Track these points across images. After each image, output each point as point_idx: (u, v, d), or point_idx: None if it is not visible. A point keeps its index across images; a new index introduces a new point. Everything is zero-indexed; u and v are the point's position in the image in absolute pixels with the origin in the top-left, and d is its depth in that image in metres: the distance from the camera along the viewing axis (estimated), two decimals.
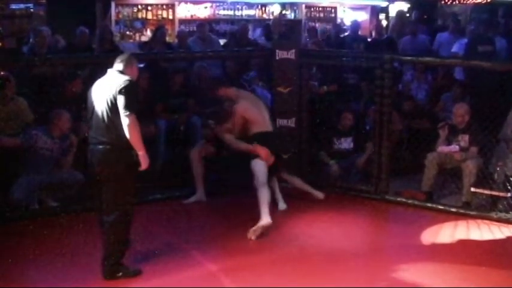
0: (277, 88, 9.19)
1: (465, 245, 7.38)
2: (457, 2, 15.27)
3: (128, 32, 14.00)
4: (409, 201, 8.59)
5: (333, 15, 16.07)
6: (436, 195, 8.75)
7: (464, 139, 8.65)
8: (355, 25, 13.11)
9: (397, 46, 12.02)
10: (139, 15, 14.11)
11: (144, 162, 6.10)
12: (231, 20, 14.83)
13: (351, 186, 9.05)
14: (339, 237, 7.51)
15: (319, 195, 8.65)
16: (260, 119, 7.86)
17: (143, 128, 6.22)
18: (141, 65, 9.68)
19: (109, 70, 6.29)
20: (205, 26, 12.32)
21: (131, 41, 13.68)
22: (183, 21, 14.23)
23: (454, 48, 11.34)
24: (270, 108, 9.27)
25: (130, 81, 6.11)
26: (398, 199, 8.67)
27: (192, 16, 14.47)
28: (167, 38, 12.69)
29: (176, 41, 12.11)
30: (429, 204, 8.50)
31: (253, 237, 7.24)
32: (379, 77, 8.62)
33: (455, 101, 9.62)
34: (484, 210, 8.24)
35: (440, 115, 9.90)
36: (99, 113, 6.09)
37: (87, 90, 6.35)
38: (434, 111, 10.27)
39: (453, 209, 8.30)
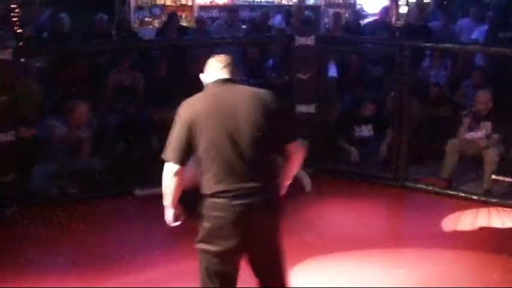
0: (297, 74, 9.13)
1: (486, 233, 7.33)
2: None
3: (146, 19, 13.98)
4: (429, 188, 8.52)
5: (352, 1, 15.96)
6: (455, 182, 8.68)
7: (486, 126, 8.57)
8: (384, 11, 12.81)
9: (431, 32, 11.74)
10: (158, 1, 14.07)
11: None
12: (250, 7, 14.76)
13: (370, 174, 8.99)
14: (358, 225, 7.46)
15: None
16: None
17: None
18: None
19: (219, 79, 4.35)
20: (236, 12, 12.27)
21: (150, 27, 13.66)
22: (202, 8, 14.19)
23: (474, 35, 11.21)
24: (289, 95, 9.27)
25: None
26: (418, 186, 8.60)
27: (211, 2, 14.42)
28: (186, 25, 12.68)
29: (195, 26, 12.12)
30: (449, 192, 8.41)
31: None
32: (398, 64, 8.54)
33: (475, 88, 9.54)
34: (506, 198, 8.17)
35: (460, 102, 9.82)
36: (243, 147, 4.15)
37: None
38: (454, 97, 10.18)
39: (474, 197, 8.22)
